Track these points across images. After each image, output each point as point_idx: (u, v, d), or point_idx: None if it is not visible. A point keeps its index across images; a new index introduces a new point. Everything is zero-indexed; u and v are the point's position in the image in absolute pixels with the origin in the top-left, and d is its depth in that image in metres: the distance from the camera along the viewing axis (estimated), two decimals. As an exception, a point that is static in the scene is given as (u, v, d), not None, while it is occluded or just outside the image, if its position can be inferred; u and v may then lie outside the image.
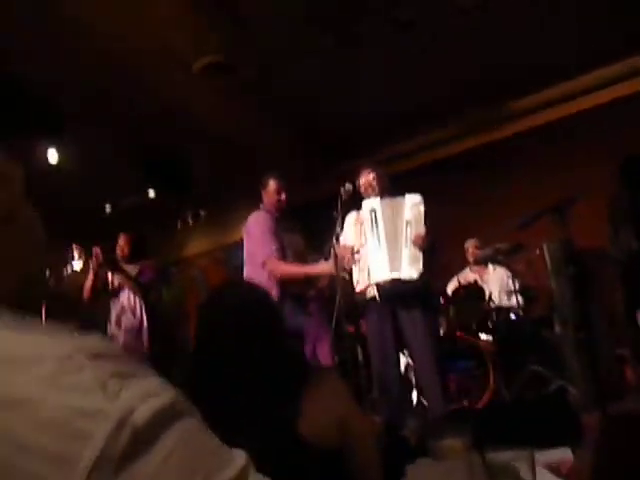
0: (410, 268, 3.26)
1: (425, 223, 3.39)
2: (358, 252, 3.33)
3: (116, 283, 4.05)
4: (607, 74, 5.47)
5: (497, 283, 4.85)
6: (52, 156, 5.42)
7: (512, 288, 4.66)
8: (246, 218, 3.60)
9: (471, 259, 5.17)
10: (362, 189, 3.54)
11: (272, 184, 3.56)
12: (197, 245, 7.36)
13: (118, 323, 4.02)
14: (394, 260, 3.29)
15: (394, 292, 3.29)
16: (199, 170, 6.02)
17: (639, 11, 4.58)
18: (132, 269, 4.14)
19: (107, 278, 4.08)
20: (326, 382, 1.34)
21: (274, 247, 3.39)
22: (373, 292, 3.32)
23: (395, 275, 3.26)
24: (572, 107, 5.59)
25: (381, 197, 3.45)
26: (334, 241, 3.24)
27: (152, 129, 5.31)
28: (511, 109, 5.81)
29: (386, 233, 3.32)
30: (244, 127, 5.36)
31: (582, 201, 3.06)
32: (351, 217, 3.49)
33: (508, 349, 4.38)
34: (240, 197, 5.34)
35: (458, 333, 4.39)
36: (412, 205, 3.40)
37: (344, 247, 3.38)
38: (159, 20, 3.87)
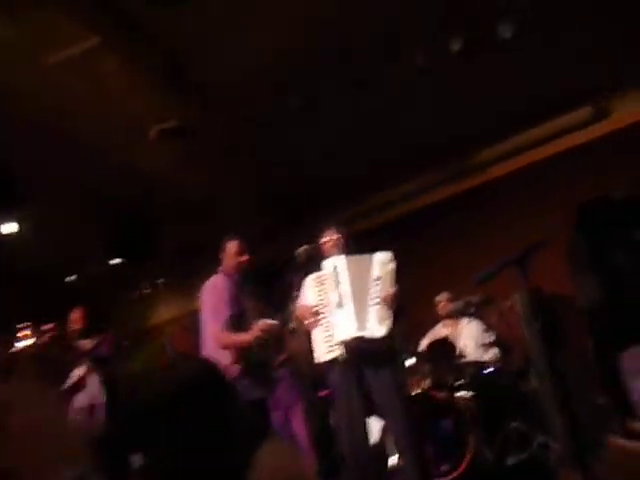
0: (378, 326, 3.15)
1: (395, 282, 3.30)
2: (318, 313, 3.20)
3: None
4: (561, 125, 5.59)
5: (471, 337, 4.72)
6: (8, 227, 5.27)
7: (486, 341, 4.56)
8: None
9: (443, 313, 5.05)
10: (325, 249, 3.46)
11: (232, 246, 3.49)
12: (167, 312, 7.16)
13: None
14: (361, 318, 3.17)
15: (360, 351, 3.15)
16: (166, 235, 5.91)
17: (579, 65, 4.70)
18: (87, 344, 3.96)
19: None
20: (272, 453, 1.36)
21: (226, 318, 3.31)
22: (338, 352, 3.16)
23: (362, 333, 3.13)
24: (531, 156, 5.68)
25: (345, 255, 3.36)
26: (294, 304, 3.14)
27: (114, 195, 5.22)
28: (475, 161, 5.87)
29: (352, 290, 3.21)
30: (210, 191, 5.31)
31: (548, 248, 2.99)
32: (311, 278, 3.38)
33: (487, 405, 4.23)
34: (207, 261, 5.23)
35: (433, 392, 4.22)
36: (382, 263, 3.32)
37: (304, 307, 3.26)
38: (116, 88, 3.83)
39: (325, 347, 3.20)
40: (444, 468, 3.89)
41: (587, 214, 2.46)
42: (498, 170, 5.85)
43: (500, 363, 4.45)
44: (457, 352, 4.53)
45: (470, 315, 4.79)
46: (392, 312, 3.19)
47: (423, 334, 5.03)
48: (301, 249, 3.38)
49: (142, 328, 6.88)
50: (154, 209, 5.51)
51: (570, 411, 3.48)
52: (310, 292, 3.36)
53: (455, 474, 3.83)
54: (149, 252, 5.99)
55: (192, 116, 4.11)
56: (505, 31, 3.88)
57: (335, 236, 3.47)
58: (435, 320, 5.13)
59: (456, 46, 4.09)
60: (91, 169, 4.74)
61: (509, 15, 3.85)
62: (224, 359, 3.29)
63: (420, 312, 5.36)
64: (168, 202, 5.35)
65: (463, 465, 3.84)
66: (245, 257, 3.47)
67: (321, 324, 3.22)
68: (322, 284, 3.29)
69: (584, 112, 5.50)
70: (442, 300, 5.10)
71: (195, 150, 4.56)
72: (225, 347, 3.29)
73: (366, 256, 3.35)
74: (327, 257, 3.37)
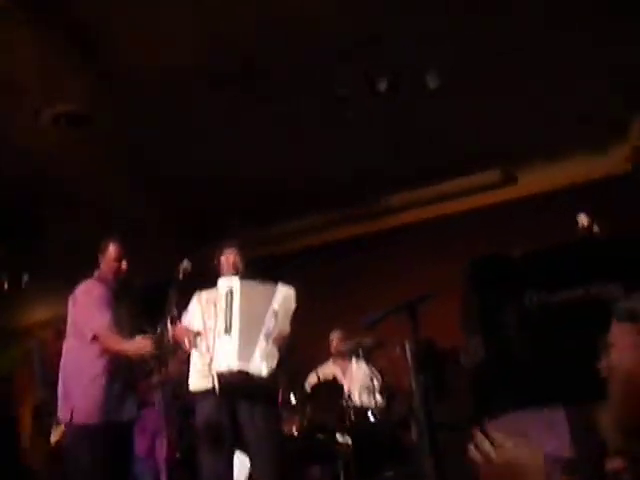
0: (261, 363, 2.91)
1: (291, 322, 3.14)
2: (200, 334, 2.94)
3: None
4: (471, 183, 5.74)
5: (358, 380, 4.62)
6: None
7: (372, 386, 4.45)
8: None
9: (334, 351, 4.94)
10: (222, 267, 3.22)
11: (112, 249, 3.18)
12: (40, 313, 6.55)
13: None
14: (245, 350, 2.92)
15: (237, 384, 2.92)
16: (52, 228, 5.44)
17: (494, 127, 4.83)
18: None
19: None
20: None
21: (107, 318, 2.98)
22: (211, 381, 2.90)
23: (242, 366, 2.89)
24: (438, 209, 5.78)
25: (241, 277, 3.14)
26: (168, 322, 2.85)
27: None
28: (385, 204, 5.88)
29: (241, 317, 2.97)
30: (103, 189, 4.94)
31: (440, 299, 2.94)
32: (200, 296, 3.14)
33: (364, 453, 4.10)
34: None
35: (312, 434, 4.04)
36: (284, 298, 3.12)
37: (183, 328, 3.00)
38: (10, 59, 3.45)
39: (200, 375, 2.95)
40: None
41: (481, 269, 2.45)
42: (405, 217, 5.90)
43: (384, 410, 4.36)
44: (343, 394, 4.39)
45: (360, 357, 4.69)
46: (279, 352, 3.00)
47: (313, 368, 4.86)
48: (183, 263, 3.08)
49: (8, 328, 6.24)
50: (43, 198, 5.06)
51: (442, 469, 3.42)
52: (197, 310, 3.10)
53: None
54: (31, 241, 5.53)
55: (94, 105, 3.77)
56: (432, 81, 3.90)
57: (233, 255, 3.24)
58: (326, 357, 5.00)
59: (381, 86, 4.08)
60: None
61: (437, 66, 3.87)
62: (93, 369, 2.97)
63: (313, 346, 5.24)
64: (59, 193, 4.90)
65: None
66: (124, 264, 3.17)
67: (200, 349, 2.95)
68: (211, 304, 3.04)
69: (493, 175, 5.69)
70: (335, 338, 4.99)
71: (93, 142, 4.21)
72: (106, 349, 2.95)
73: (268, 286, 3.14)
74: (222, 276, 3.15)
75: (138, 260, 3.24)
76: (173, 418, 3.96)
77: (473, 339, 2.63)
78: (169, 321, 2.85)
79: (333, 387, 4.36)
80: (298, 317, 5.64)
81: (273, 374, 2.98)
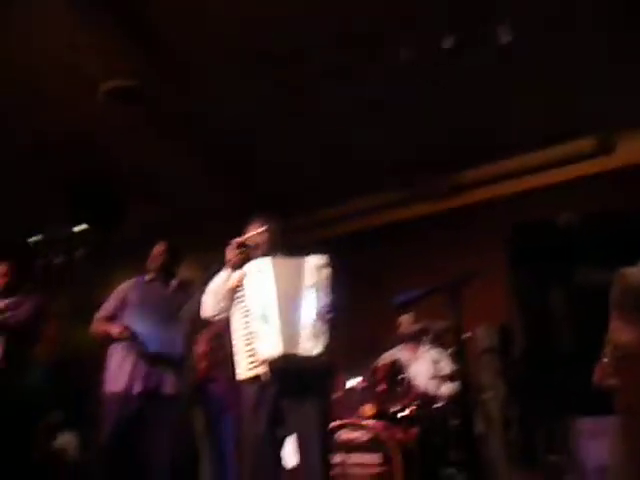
0: (311, 342, 2.69)
1: (332, 290, 2.82)
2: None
3: None
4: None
5: (426, 366, 4.35)
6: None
7: (442, 373, 4.17)
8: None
9: (403, 335, 4.68)
10: (250, 245, 2.99)
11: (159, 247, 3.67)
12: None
13: None
14: (288, 333, 2.70)
15: (286, 371, 2.71)
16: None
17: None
18: (5, 304, 3.55)
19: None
20: None
21: (108, 306, 3.51)
22: (260, 370, 2.73)
23: (290, 350, 2.67)
24: (522, 184, 5.27)
25: (271, 256, 2.88)
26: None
27: (75, 157, 4.92)
28: (460, 181, 5.49)
29: (279, 301, 2.75)
30: (166, 165, 4.99)
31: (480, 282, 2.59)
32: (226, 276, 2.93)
33: (426, 444, 3.86)
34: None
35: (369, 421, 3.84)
36: (316, 268, 2.83)
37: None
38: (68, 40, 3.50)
39: (247, 362, 2.78)
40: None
41: (521, 240, 2.08)
42: (478, 194, 5.45)
43: (452, 398, 4.07)
44: (407, 380, 4.17)
45: (430, 342, 4.42)
46: (328, 326, 2.74)
47: (375, 352, 4.66)
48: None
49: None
50: (117, 177, 5.22)
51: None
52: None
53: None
54: (116, 220, 5.73)
55: (149, 79, 3.75)
56: (503, 34, 3.49)
57: (262, 230, 3.00)
58: (395, 340, 4.75)
59: (454, 47, 3.72)
60: (49, 126, 4.45)
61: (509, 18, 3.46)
62: None
63: (379, 329, 5.04)
64: (127, 172, 5.04)
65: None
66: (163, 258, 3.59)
67: (244, 336, 2.80)
68: (244, 289, 2.83)
69: (587, 144, 5.10)
70: (403, 321, 4.73)
71: (149, 116, 4.22)
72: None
73: (297, 259, 2.88)
74: (252, 257, 2.91)
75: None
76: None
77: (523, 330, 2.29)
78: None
79: (396, 371, 4.17)
80: (362, 297, 5.54)
81: (326, 354, 2.72)
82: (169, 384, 3.45)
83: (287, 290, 2.78)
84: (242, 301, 2.83)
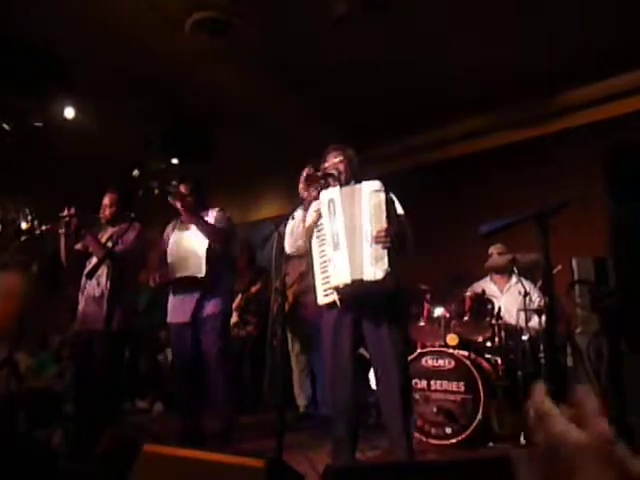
0: (372, 268, 2.72)
1: (390, 214, 2.82)
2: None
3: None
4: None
5: (514, 298, 4.27)
6: (69, 112, 5.38)
7: (532, 306, 4.07)
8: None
9: (492, 266, 4.60)
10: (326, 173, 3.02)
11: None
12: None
13: (83, 289, 3.78)
14: (354, 260, 2.77)
15: (357, 298, 2.80)
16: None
17: None
18: (111, 232, 3.85)
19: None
20: None
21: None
22: (333, 297, 2.83)
23: (356, 278, 2.75)
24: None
25: (342, 185, 2.94)
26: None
27: (165, 92, 5.10)
28: (554, 105, 5.12)
29: (345, 229, 2.82)
30: (254, 99, 5.05)
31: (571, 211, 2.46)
32: (313, 209, 2.99)
33: (512, 372, 3.86)
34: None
35: (453, 350, 3.88)
36: (370, 193, 2.82)
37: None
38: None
39: (322, 290, 2.88)
40: (446, 430, 3.63)
41: (616, 162, 1.90)
42: (577, 118, 5.07)
43: (541, 331, 3.98)
44: (495, 311, 4.14)
45: (520, 274, 4.31)
46: (389, 250, 2.73)
47: (463, 283, 4.66)
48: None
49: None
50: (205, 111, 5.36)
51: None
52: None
53: (456, 440, 3.57)
54: (208, 154, 5.94)
55: (235, 10, 3.75)
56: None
57: (338, 159, 3.02)
58: (484, 271, 4.72)
59: None
60: (137, 63, 4.61)
61: None
62: None
63: (469, 259, 4.99)
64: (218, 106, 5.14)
65: (467, 433, 3.56)
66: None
67: (320, 262, 2.88)
68: (320, 217, 2.91)
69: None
70: (493, 251, 4.68)
71: (237, 50, 4.24)
72: None
73: (356, 187, 2.89)
74: (329, 186, 2.97)
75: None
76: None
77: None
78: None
79: (484, 302, 4.16)
80: (448, 228, 5.45)
81: (393, 280, 2.76)
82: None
83: (350, 219, 2.83)
84: (320, 229, 2.90)
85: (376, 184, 2.84)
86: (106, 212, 3.93)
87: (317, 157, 3.10)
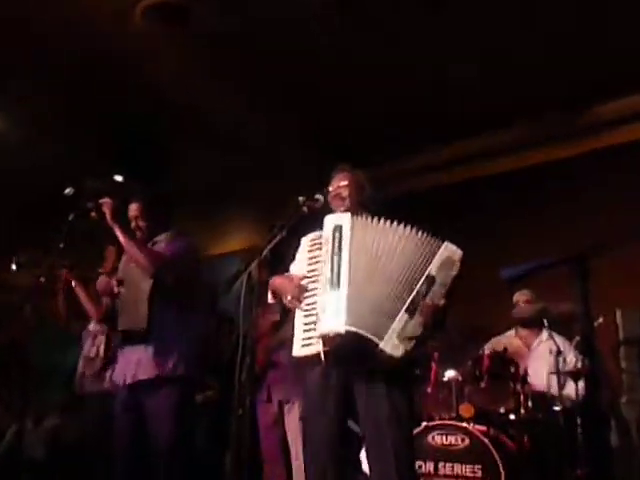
0: (396, 342, 2.69)
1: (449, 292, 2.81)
2: (303, 289, 2.88)
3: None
4: None
5: (544, 357, 4.33)
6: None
7: (567, 368, 4.13)
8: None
9: (518, 317, 4.70)
10: (331, 200, 3.10)
11: None
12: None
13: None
14: (358, 305, 2.75)
15: (347, 352, 2.77)
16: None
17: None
18: None
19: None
20: None
21: None
22: (317, 347, 2.79)
23: (354, 327, 2.70)
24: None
25: (354, 213, 2.97)
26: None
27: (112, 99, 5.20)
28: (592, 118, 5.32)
29: (352, 265, 2.80)
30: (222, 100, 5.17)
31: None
32: (307, 239, 3.06)
33: (540, 452, 3.91)
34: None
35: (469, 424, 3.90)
36: (447, 258, 2.82)
37: (283, 278, 3.00)
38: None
39: (303, 338, 2.85)
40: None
41: None
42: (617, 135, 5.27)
43: (577, 399, 4.01)
44: (520, 374, 4.18)
45: (552, 328, 4.37)
46: (425, 330, 2.73)
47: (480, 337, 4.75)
48: (302, 199, 3.01)
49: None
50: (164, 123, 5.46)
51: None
52: (302, 258, 3.05)
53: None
54: (159, 171, 5.98)
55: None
56: None
57: (346, 181, 3.08)
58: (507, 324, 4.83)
59: None
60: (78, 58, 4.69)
61: None
62: None
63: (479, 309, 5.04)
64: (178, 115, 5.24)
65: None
66: None
67: (304, 306, 2.87)
68: (317, 249, 2.93)
69: None
70: (519, 299, 4.75)
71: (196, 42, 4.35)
72: None
73: (398, 228, 2.87)
74: (332, 212, 3.04)
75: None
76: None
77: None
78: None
79: (507, 363, 4.19)
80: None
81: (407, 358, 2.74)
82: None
83: (369, 255, 2.83)
84: (317, 261, 2.90)
85: (458, 252, 2.85)
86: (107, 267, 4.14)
87: (297, 177, 3.18)
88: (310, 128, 5.56)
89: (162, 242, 3.71)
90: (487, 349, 4.42)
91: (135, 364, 3.45)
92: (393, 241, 2.85)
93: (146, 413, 3.44)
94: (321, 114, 5.39)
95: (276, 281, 3.05)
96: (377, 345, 2.68)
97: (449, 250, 2.84)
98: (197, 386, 5.23)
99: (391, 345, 2.69)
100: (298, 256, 3.12)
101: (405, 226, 2.87)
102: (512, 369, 4.16)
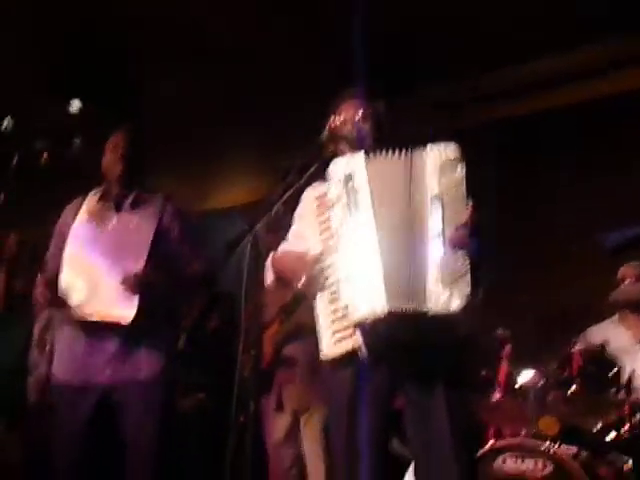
0: (444, 291, 2.72)
1: (473, 197, 2.83)
2: (319, 266, 2.88)
3: None
4: None
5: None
6: None
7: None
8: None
9: (622, 299, 4.72)
10: (337, 137, 3.11)
11: None
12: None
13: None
14: (400, 275, 2.77)
15: (394, 344, 2.79)
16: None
17: None
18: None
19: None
20: None
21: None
22: (353, 342, 2.82)
23: (402, 304, 2.71)
24: None
25: (369, 152, 2.94)
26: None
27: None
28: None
29: (380, 221, 2.83)
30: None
31: None
32: (309, 195, 3.10)
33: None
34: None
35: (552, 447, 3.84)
36: (442, 164, 2.85)
37: (287, 256, 3.06)
38: None
39: (334, 330, 2.87)
40: None
41: None
42: None
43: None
44: (625, 377, 4.11)
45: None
46: (473, 261, 2.73)
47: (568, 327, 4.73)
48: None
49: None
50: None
51: None
52: (308, 222, 3.08)
53: None
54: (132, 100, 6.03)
55: None
56: None
57: (360, 111, 3.09)
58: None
59: None
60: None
61: None
62: None
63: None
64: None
65: None
66: None
67: (325, 288, 2.89)
68: (325, 209, 2.94)
69: None
70: (626, 273, 4.76)
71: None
72: None
73: (414, 153, 2.90)
74: (340, 153, 3.02)
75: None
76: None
77: None
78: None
79: (605, 363, 4.13)
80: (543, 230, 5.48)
81: (468, 315, 2.76)
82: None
83: (395, 203, 2.87)
84: (327, 227, 2.92)
85: (451, 149, 2.85)
86: None
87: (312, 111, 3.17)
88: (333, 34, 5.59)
89: (151, 207, 3.76)
90: (579, 343, 4.34)
91: (106, 360, 3.51)
92: (403, 173, 2.90)
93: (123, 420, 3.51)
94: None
95: (283, 260, 3.09)
96: (426, 313, 2.71)
97: (437, 151, 2.87)
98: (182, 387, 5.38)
99: (442, 301, 2.71)
100: (300, 220, 3.20)
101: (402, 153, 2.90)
102: (614, 370, 4.09)
